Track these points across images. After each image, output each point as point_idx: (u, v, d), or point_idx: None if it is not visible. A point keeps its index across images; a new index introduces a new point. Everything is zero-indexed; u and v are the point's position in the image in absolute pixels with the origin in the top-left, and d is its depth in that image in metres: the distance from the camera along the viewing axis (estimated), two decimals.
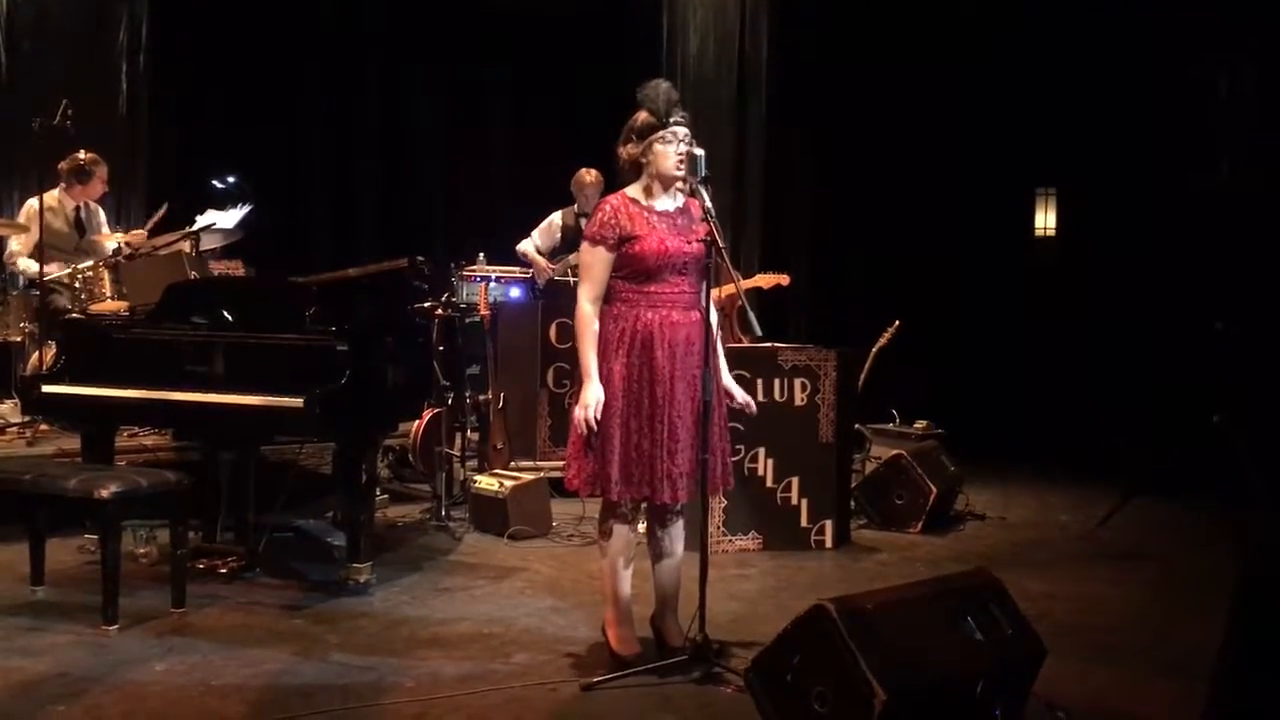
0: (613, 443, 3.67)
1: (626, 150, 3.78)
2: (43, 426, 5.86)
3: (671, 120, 3.70)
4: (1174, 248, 8.30)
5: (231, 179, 6.69)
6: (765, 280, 6.60)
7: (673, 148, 3.71)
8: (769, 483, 5.46)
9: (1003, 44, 8.86)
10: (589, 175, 7.31)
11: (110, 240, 6.56)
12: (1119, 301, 8.57)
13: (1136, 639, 4.28)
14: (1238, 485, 6.01)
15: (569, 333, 6.44)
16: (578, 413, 3.67)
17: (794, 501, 5.50)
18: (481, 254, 7.41)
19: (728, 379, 3.92)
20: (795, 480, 5.48)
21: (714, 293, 3.81)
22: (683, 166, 3.71)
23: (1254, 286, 7.79)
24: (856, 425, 6.55)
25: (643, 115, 3.74)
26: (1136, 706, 3.63)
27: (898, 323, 7.12)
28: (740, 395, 3.92)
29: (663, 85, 3.77)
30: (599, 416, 3.65)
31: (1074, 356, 8.69)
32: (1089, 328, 8.69)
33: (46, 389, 4.72)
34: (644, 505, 3.89)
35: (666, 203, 3.79)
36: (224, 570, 4.68)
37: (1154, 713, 3.60)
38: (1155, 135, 8.58)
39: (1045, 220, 9.65)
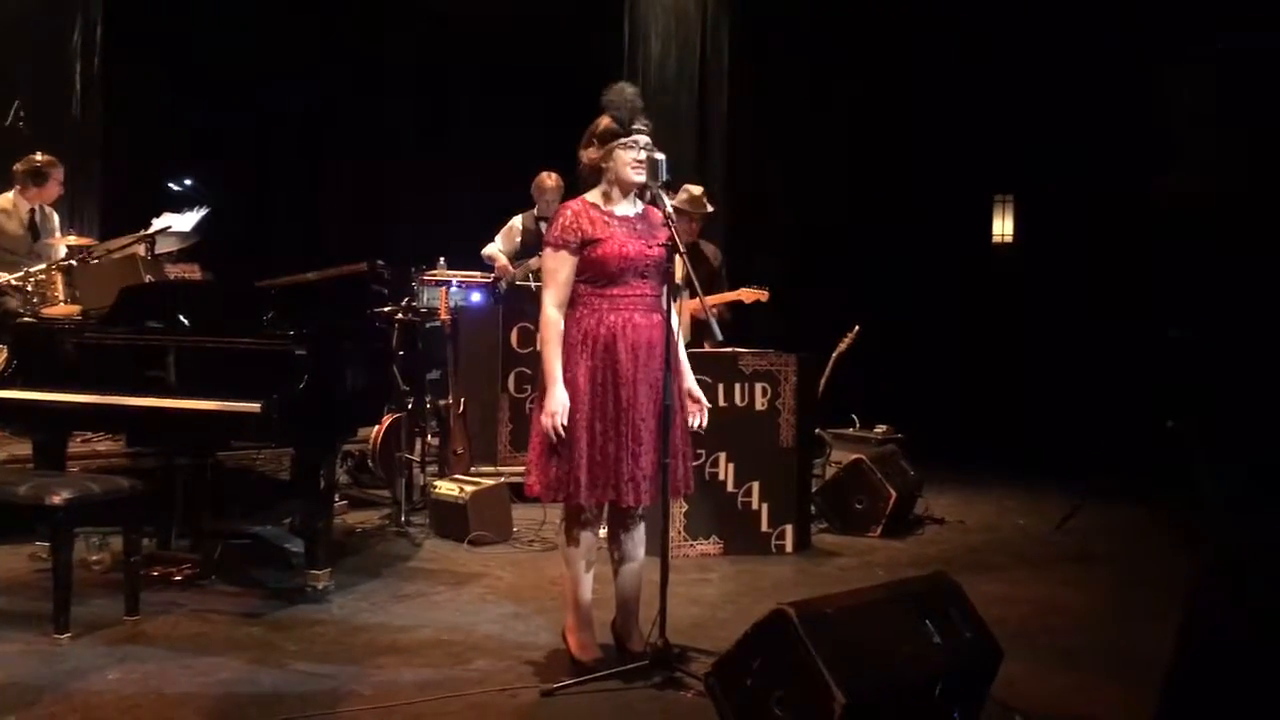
0: (580, 446, 3.66)
1: (587, 154, 3.78)
2: None
3: (634, 128, 3.71)
4: (1131, 254, 8.40)
5: (188, 181, 6.62)
6: (746, 295, 6.60)
7: (631, 154, 3.71)
8: (730, 487, 5.47)
9: (962, 51, 8.94)
10: (549, 179, 7.28)
11: (62, 244, 6.47)
12: (1076, 307, 8.67)
13: (1093, 641, 4.33)
14: (1192, 488, 6.10)
15: (530, 337, 6.43)
16: (544, 420, 3.65)
17: (755, 506, 5.51)
18: (442, 258, 7.37)
19: (691, 383, 3.92)
20: (756, 485, 5.50)
21: (683, 305, 3.81)
22: (640, 172, 3.71)
23: (1212, 292, 7.90)
24: (817, 430, 6.58)
25: (605, 121, 3.74)
26: (1093, 708, 3.67)
27: (858, 328, 7.17)
28: (703, 402, 3.90)
29: (628, 90, 3.77)
30: (566, 422, 3.64)
31: (1032, 362, 8.77)
32: (1047, 333, 8.77)
33: None
34: (605, 509, 3.88)
35: (626, 208, 3.79)
36: (179, 578, 4.62)
37: (1110, 714, 3.63)
38: (1113, 142, 8.68)
39: (1003, 227, 9.76)
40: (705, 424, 3.94)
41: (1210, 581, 2.62)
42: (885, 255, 9.17)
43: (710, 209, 6.59)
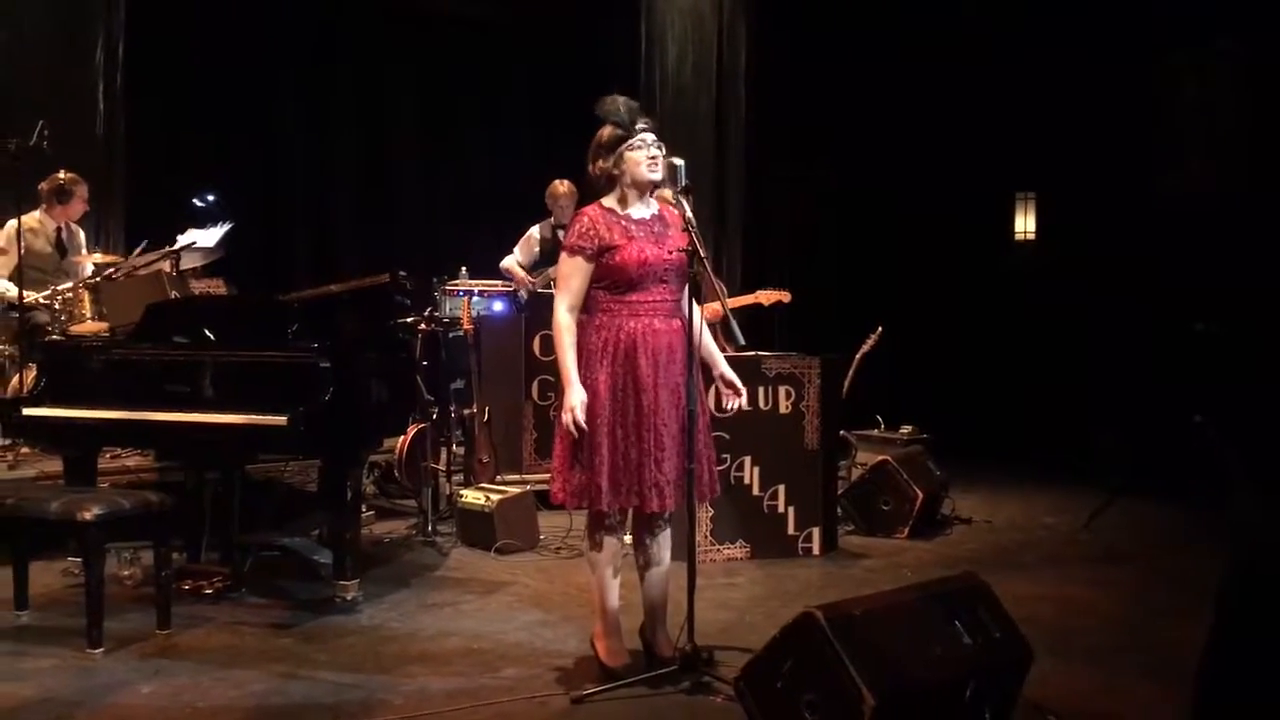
0: (601, 453, 3.67)
1: (597, 166, 3.79)
2: (24, 449, 5.82)
3: (638, 128, 3.72)
4: (1153, 249, 8.36)
5: (211, 197, 6.66)
6: (766, 297, 6.57)
7: (643, 153, 3.72)
8: (755, 491, 5.46)
9: (982, 49, 8.91)
10: (562, 186, 7.32)
11: (89, 261, 6.53)
12: (1099, 304, 8.62)
13: (1123, 640, 4.30)
14: (1220, 485, 6.05)
15: (552, 345, 6.44)
16: (565, 418, 3.66)
17: (781, 509, 5.50)
18: (464, 268, 7.41)
19: (725, 369, 3.92)
20: (782, 488, 5.49)
21: (701, 310, 3.82)
22: (655, 168, 3.72)
23: (1233, 285, 7.85)
24: (842, 432, 6.56)
25: (608, 130, 3.75)
26: (1124, 708, 3.64)
27: (880, 328, 7.15)
28: (738, 385, 3.92)
29: (620, 98, 3.78)
30: (584, 419, 3.65)
31: (1055, 359, 8.73)
32: (1070, 330, 8.73)
33: (27, 411, 4.69)
34: (630, 515, 3.89)
35: (642, 210, 3.80)
36: (209, 591, 4.65)
37: (1141, 714, 3.61)
38: (1133, 139, 8.64)
39: (1025, 224, 9.72)
40: (743, 405, 3.98)
41: (1240, 578, 2.61)
42: (907, 254, 9.14)
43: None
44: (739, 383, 3.93)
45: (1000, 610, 3.38)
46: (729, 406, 3.95)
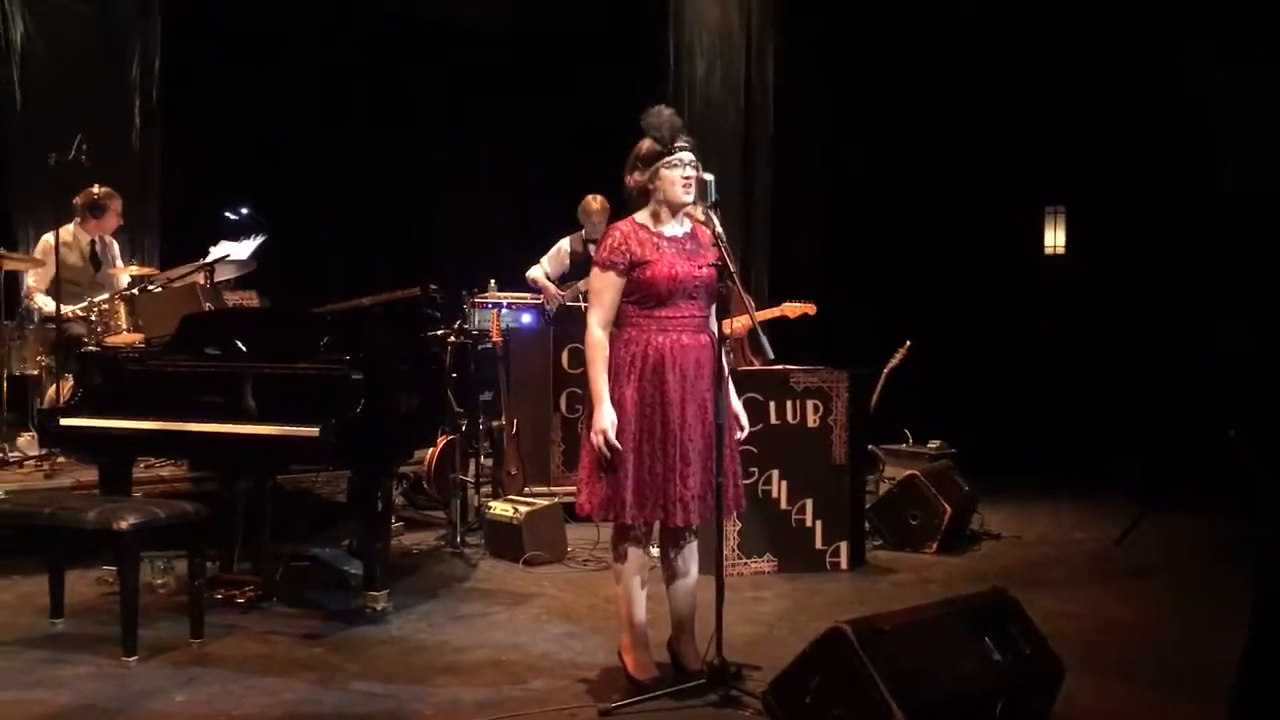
0: (626, 467, 3.68)
1: (633, 178, 3.82)
2: (60, 459, 5.89)
3: (677, 146, 3.74)
4: (1183, 262, 8.31)
5: (245, 210, 6.74)
6: (792, 309, 6.57)
7: (679, 173, 3.74)
8: (783, 505, 5.46)
9: (1010, 63, 8.90)
10: (595, 202, 7.35)
11: (125, 274, 6.61)
12: (1130, 317, 8.58)
13: (1154, 656, 4.27)
14: (1252, 500, 6.00)
15: (581, 358, 6.42)
16: (596, 439, 3.69)
17: (808, 523, 5.50)
18: (493, 280, 7.45)
19: (736, 403, 3.94)
20: (809, 502, 5.48)
21: (726, 324, 3.83)
22: (689, 190, 3.74)
23: (1264, 297, 7.80)
24: (870, 446, 6.55)
25: (647, 143, 3.78)
26: None
27: (909, 343, 7.14)
28: (743, 421, 3.95)
29: (666, 112, 3.80)
30: (615, 440, 3.67)
31: (1086, 373, 8.68)
32: (1100, 344, 8.69)
33: (65, 422, 4.75)
34: (656, 528, 3.91)
35: (675, 228, 3.82)
36: (242, 600, 4.69)
37: None
38: (1162, 151, 8.60)
39: (1055, 238, 9.68)
40: (743, 438, 3.97)
41: (1272, 593, 2.60)
42: (936, 268, 9.12)
43: None
44: (744, 416, 3.97)
45: (1030, 626, 3.37)
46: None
